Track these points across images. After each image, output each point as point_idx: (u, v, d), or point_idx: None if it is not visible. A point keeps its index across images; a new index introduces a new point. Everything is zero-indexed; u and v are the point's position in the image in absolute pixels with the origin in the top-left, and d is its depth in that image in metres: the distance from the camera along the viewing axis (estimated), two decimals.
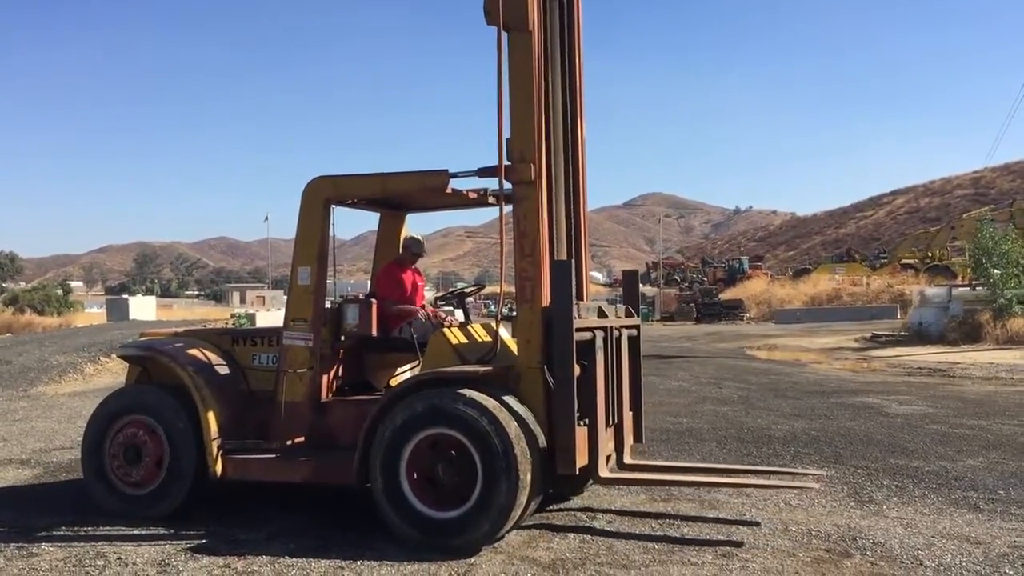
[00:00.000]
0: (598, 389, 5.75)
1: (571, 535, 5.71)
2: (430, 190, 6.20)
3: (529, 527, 5.84)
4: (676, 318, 52.40)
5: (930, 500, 6.52)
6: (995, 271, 23.81)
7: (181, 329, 7.63)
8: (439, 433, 5.43)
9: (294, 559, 5.25)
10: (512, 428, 5.31)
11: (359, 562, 5.16)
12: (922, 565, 5.03)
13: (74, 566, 5.23)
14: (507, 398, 5.50)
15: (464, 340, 6.24)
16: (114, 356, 21.67)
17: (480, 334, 6.44)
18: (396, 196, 6.68)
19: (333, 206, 6.38)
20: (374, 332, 6.57)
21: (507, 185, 5.75)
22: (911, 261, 50.38)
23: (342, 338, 6.63)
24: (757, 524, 6.00)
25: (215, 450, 6.09)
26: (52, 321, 47.01)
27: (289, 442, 6.19)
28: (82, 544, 5.67)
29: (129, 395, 6.66)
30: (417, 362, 6.54)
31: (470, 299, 7.48)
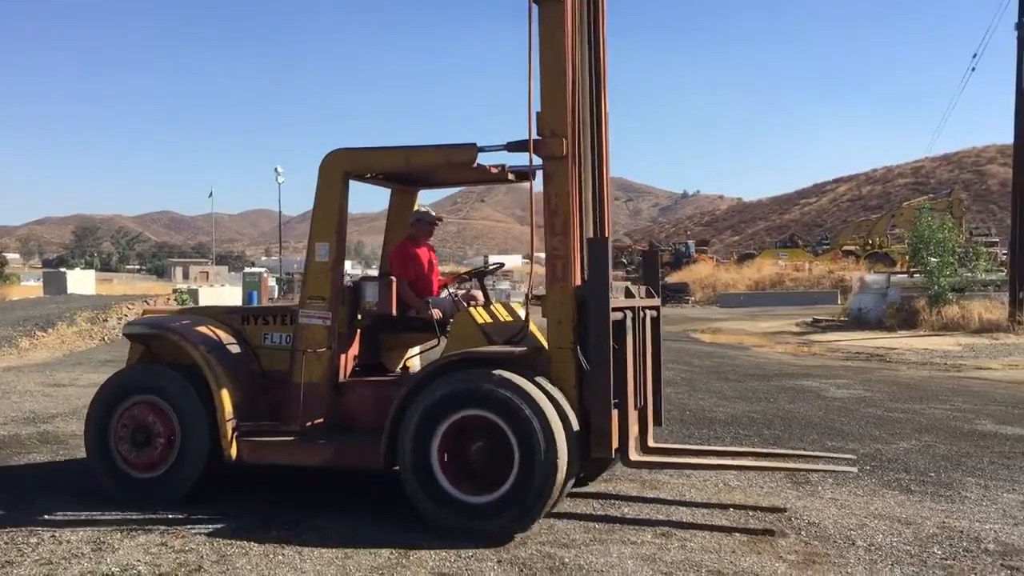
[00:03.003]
0: (628, 371, 5.62)
1: None
2: (456, 165, 5.99)
3: None
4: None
5: (864, 482, 6.68)
6: (932, 259, 24.37)
7: (187, 306, 7.42)
8: (473, 415, 5.29)
9: (234, 539, 5.20)
10: (549, 410, 5.18)
11: (300, 546, 5.14)
12: (854, 545, 5.16)
13: (5, 543, 5.13)
14: (540, 379, 5.37)
15: (489, 319, 6.08)
16: (51, 330, 21.21)
17: (502, 314, 6.31)
18: (418, 170, 6.43)
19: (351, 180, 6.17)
20: (394, 311, 6.35)
21: (536, 160, 5.60)
22: (852, 248, 51.34)
23: (358, 317, 6.42)
24: (697, 504, 6.10)
25: (229, 432, 5.86)
26: None
27: (308, 424, 5.97)
28: (15, 522, 5.56)
29: (136, 375, 6.37)
30: (436, 342, 6.38)
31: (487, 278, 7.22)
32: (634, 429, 5.83)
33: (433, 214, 6.86)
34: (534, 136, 5.57)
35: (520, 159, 5.76)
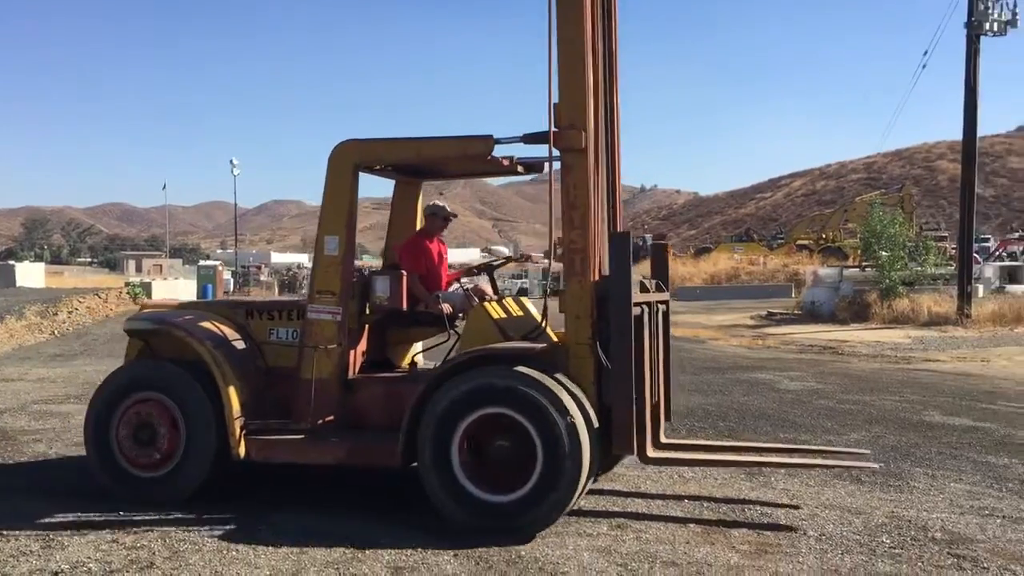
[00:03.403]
0: (645, 366, 5.53)
1: None
2: (471, 157, 5.90)
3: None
4: None
5: (815, 472, 6.78)
6: (883, 253, 24.80)
7: (186, 300, 7.19)
8: (495, 413, 5.20)
9: (187, 535, 5.15)
10: (573, 409, 5.11)
11: (255, 542, 5.10)
12: (805, 535, 5.25)
13: None
14: (559, 376, 5.30)
15: (503, 314, 6.00)
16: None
17: (514, 308, 6.20)
18: (430, 162, 6.34)
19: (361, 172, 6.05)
20: (405, 305, 6.22)
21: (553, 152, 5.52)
22: (806, 242, 51.94)
23: (366, 311, 6.30)
24: (652, 496, 6.16)
25: (237, 430, 5.71)
26: None
27: (319, 422, 5.83)
28: None
29: (138, 371, 6.18)
30: (446, 338, 6.30)
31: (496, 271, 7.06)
32: (649, 425, 5.74)
33: (448, 208, 6.75)
34: (552, 128, 5.48)
35: (530, 151, 5.73)
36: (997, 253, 43.86)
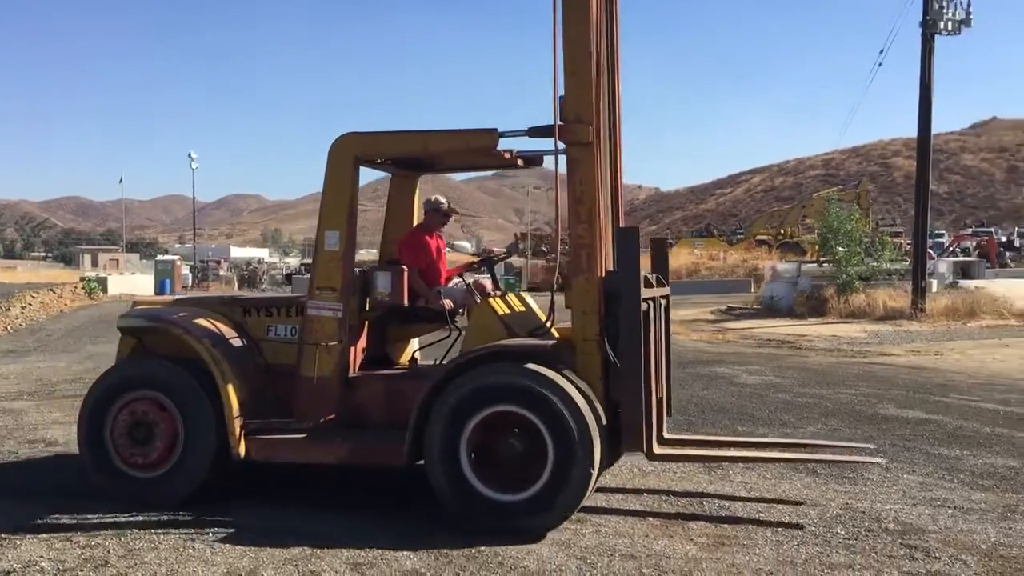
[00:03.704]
0: (651, 362, 5.49)
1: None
2: (476, 150, 5.84)
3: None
4: (543, 288, 53.07)
5: (772, 465, 6.86)
6: (840, 249, 25.11)
7: (181, 297, 6.99)
8: (505, 411, 5.13)
9: (143, 533, 5.09)
10: (584, 407, 5.04)
11: (212, 540, 5.06)
12: (762, 527, 5.32)
13: None
14: (568, 373, 5.24)
15: (507, 310, 5.92)
16: None
17: (516, 304, 6.11)
18: (434, 156, 6.27)
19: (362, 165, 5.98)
20: (406, 301, 6.13)
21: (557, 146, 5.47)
22: (765, 237, 52.51)
23: (366, 308, 6.21)
24: (611, 489, 6.19)
25: (237, 430, 5.58)
26: None
27: (322, 421, 5.72)
28: None
29: (134, 369, 6.01)
30: (448, 334, 6.22)
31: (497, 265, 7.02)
32: (655, 422, 5.71)
33: (448, 204, 6.68)
34: (558, 122, 5.44)
35: (533, 144, 5.69)
36: (951, 249, 44.68)
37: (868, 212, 39.47)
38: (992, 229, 57.79)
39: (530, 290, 53.27)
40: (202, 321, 5.96)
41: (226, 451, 5.62)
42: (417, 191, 6.95)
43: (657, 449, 5.56)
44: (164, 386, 5.74)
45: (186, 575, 4.49)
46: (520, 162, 6.07)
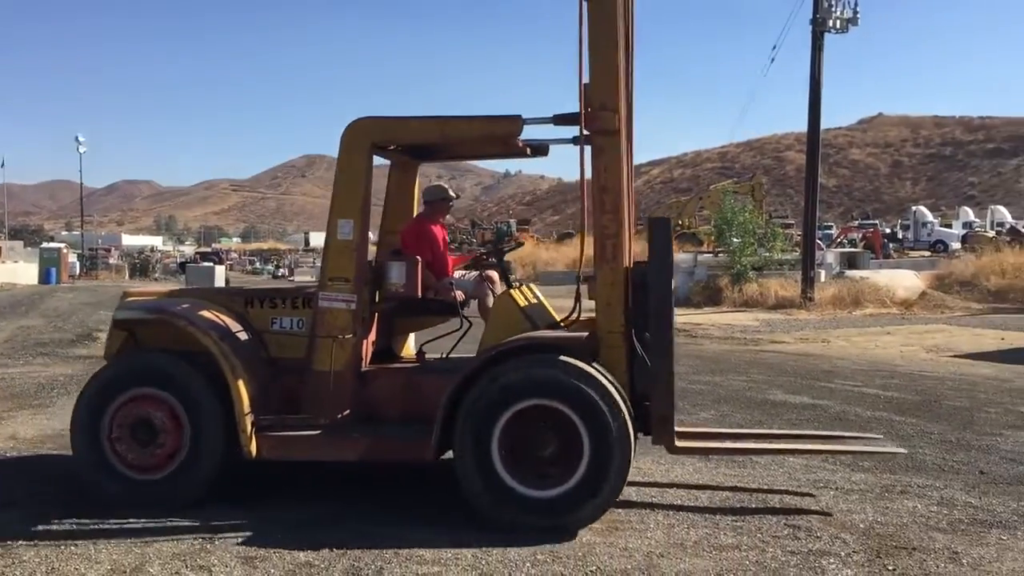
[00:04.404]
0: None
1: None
2: (498, 137, 5.73)
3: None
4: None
5: (665, 451, 7.00)
6: (735, 240, 25.86)
7: (175, 288, 6.51)
8: (537, 405, 4.99)
9: (22, 530, 4.91)
10: (619, 399, 4.97)
11: (96, 536, 4.90)
12: (654, 511, 5.44)
13: None
14: (597, 366, 5.13)
15: (526, 302, 5.78)
16: None
17: (528, 295, 5.98)
18: (451, 143, 6.11)
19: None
20: (419, 293, 5.93)
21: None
22: None
23: (376, 299, 5.99)
24: None
25: (248, 427, 5.29)
26: None
27: (339, 416, 5.51)
28: None
29: (133, 364, 5.66)
30: (460, 326, 6.06)
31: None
32: None
33: (451, 191, 6.50)
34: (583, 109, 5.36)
35: (561, 132, 5.61)
36: (838, 240, 46.44)
37: (762, 204, 40.58)
38: (877, 222, 60.38)
39: None
40: (207, 313, 5.64)
41: (235, 450, 5.36)
42: (417, 179, 6.77)
43: (680, 442, 5.49)
44: (167, 382, 5.42)
45: (67, 573, 4.33)
46: (528, 151, 6.01)
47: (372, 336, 6.06)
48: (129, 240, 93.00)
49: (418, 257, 5.99)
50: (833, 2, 23.73)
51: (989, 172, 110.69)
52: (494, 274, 6.39)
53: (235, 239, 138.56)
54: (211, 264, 41.67)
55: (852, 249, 38.68)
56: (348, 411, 5.58)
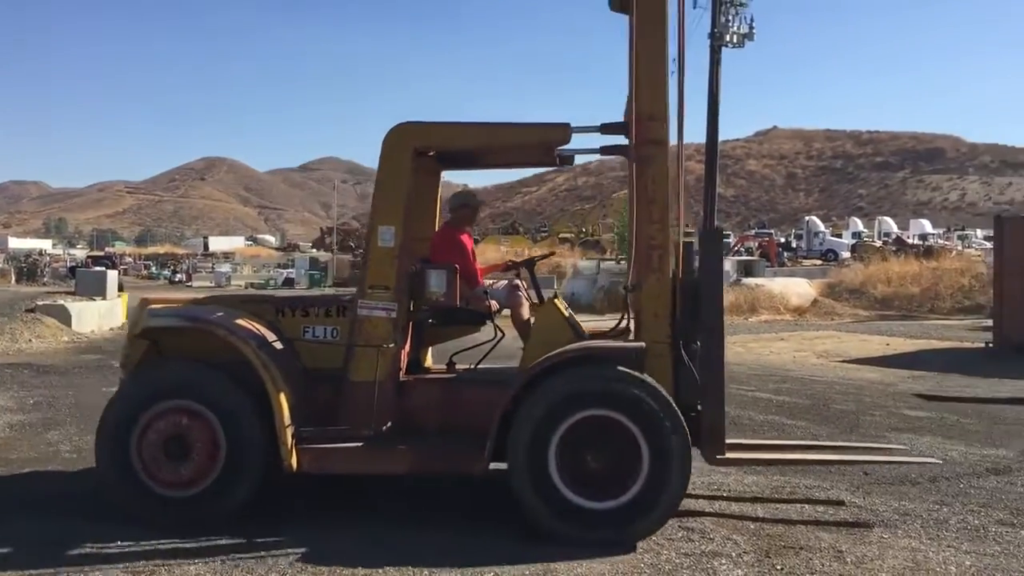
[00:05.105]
0: None
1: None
2: (541, 146, 5.71)
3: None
4: (349, 283, 52.36)
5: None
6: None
7: (201, 296, 6.08)
8: (595, 415, 4.93)
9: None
10: (676, 410, 4.92)
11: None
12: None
13: None
14: (647, 376, 5.07)
15: (567, 312, 5.70)
16: None
17: (561, 306, 5.85)
18: (494, 150, 6.05)
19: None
20: (458, 302, 5.77)
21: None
22: (568, 235, 54.12)
23: (410, 308, 5.80)
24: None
25: (289, 440, 5.08)
26: None
27: (383, 428, 5.37)
28: None
29: (165, 375, 5.37)
30: (494, 337, 6.00)
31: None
32: None
33: (478, 198, 6.34)
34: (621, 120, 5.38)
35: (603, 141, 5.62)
36: (736, 248, 47.72)
37: None
38: (772, 231, 62.26)
39: (336, 285, 52.56)
40: (243, 321, 5.43)
41: (274, 464, 5.16)
42: (440, 185, 6.63)
43: (722, 453, 5.45)
44: (201, 393, 5.19)
45: None
46: (558, 160, 6.03)
47: (406, 346, 5.94)
48: (16, 243, 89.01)
49: (456, 265, 5.87)
50: (730, 18, 24.45)
51: (877, 184, 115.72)
52: (520, 284, 6.30)
53: (130, 243, 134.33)
54: (103, 268, 40.21)
55: (749, 257, 39.77)
56: (390, 423, 5.46)
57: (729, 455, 5.59)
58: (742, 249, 47.76)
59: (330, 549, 4.79)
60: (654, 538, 5.02)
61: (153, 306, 5.68)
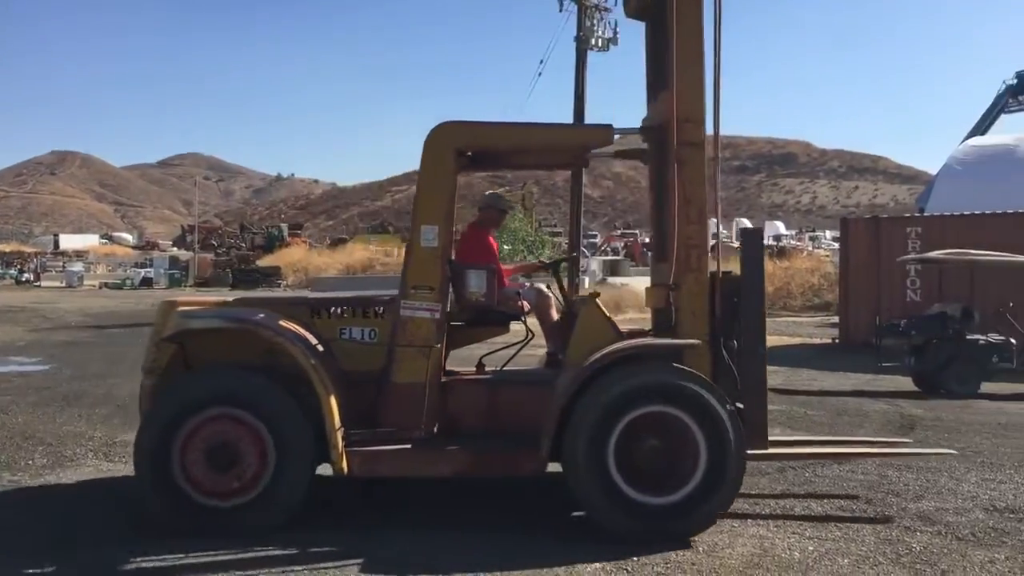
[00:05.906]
0: None
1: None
2: (584, 147, 5.84)
3: None
4: (211, 283, 50.79)
5: None
6: (505, 247, 26.60)
7: (230, 298, 5.81)
8: (653, 412, 4.99)
9: None
10: (733, 405, 4.99)
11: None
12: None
13: None
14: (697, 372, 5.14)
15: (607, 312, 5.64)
16: None
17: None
18: (534, 151, 6.12)
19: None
20: (496, 303, 5.75)
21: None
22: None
23: (447, 309, 5.66)
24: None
25: (340, 444, 4.98)
26: None
27: (434, 430, 5.35)
28: None
29: (207, 381, 5.20)
30: (525, 338, 5.97)
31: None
32: None
33: (507, 200, 6.14)
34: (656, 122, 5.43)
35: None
36: (603, 248, 48.79)
37: (532, 212, 41.97)
38: (637, 231, 63.90)
39: (197, 285, 50.92)
40: (286, 323, 5.28)
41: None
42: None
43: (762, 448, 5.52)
44: (246, 399, 5.03)
45: None
46: (588, 162, 6.19)
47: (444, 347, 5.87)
48: None
49: (494, 266, 5.92)
50: (595, 22, 24.93)
51: (735, 187, 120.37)
52: (542, 285, 6.34)
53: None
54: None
55: (615, 257, 40.72)
56: (435, 425, 5.44)
57: (777, 450, 5.80)
58: (608, 249, 48.86)
59: (378, 557, 4.71)
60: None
61: (183, 308, 5.48)
